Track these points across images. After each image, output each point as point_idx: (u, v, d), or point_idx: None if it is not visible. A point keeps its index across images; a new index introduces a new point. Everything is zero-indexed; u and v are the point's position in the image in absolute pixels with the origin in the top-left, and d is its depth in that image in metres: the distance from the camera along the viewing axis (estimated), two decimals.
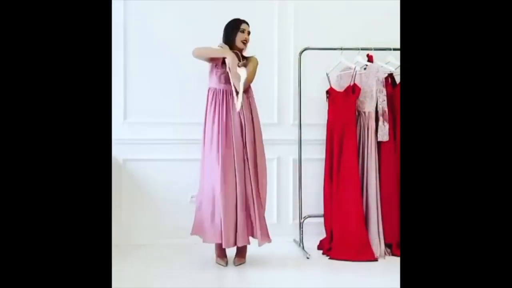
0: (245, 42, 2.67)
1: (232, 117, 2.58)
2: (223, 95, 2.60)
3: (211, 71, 2.64)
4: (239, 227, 2.53)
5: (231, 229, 2.51)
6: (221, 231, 2.50)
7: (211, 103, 2.62)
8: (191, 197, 3.22)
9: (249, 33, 2.69)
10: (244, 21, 2.69)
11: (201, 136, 2.68)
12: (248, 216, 2.58)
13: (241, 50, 2.69)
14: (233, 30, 2.66)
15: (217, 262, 2.65)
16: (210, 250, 2.75)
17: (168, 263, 2.75)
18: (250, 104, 2.64)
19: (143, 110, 3.24)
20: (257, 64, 2.68)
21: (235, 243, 2.54)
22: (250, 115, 2.63)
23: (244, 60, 2.66)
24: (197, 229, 2.65)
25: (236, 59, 2.53)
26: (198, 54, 2.59)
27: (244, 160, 2.59)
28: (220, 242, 2.52)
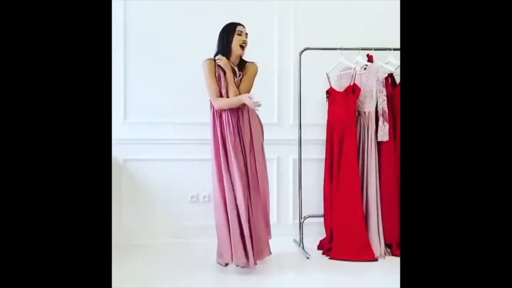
0: (243, 45, 2.56)
1: (241, 130, 2.55)
2: (231, 112, 2.55)
3: (219, 97, 2.56)
4: (235, 244, 2.48)
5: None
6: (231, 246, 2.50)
7: (223, 123, 2.54)
8: (191, 197, 3.22)
9: (246, 35, 2.59)
10: (239, 24, 2.58)
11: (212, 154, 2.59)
12: (241, 233, 2.50)
13: (239, 56, 2.60)
14: (230, 35, 2.54)
15: (217, 262, 2.65)
16: (210, 250, 2.75)
17: (168, 263, 2.75)
18: (249, 117, 2.59)
19: (143, 110, 3.24)
20: (255, 72, 2.60)
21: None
22: (249, 128, 2.58)
23: (241, 72, 2.58)
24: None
25: (250, 99, 2.45)
26: (221, 106, 2.52)
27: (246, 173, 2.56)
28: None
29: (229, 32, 2.55)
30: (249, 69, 2.60)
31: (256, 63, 2.63)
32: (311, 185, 3.28)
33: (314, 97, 3.26)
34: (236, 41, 2.54)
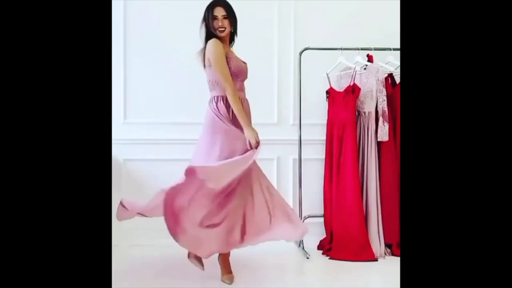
0: (221, 30, 2.34)
1: None
2: None
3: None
4: None
5: None
6: None
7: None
8: None
9: (225, 17, 2.34)
10: (218, 4, 2.34)
11: None
12: None
13: (228, 36, 2.42)
14: (208, 18, 2.35)
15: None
16: None
17: (168, 263, 2.75)
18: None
19: (143, 110, 3.24)
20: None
21: None
22: None
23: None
24: None
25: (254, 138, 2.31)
26: (234, 101, 2.31)
27: None
28: None
29: (207, 13, 2.37)
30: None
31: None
32: (311, 185, 3.27)
33: (314, 97, 3.26)
34: (214, 24, 2.35)
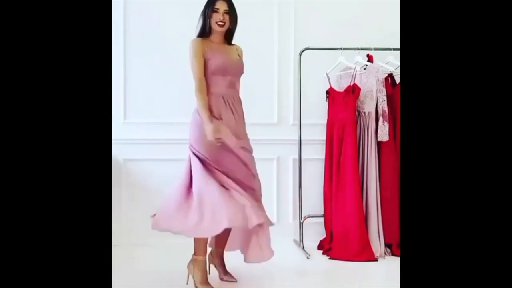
0: (220, 24, 2.28)
1: None
2: None
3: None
4: None
5: None
6: None
7: None
8: None
9: (226, 12, 2.29)
10: None
11: None
12: None
13: (224, 33, 2.38)
14: (207, 11, 2.30)
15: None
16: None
17: (169, 263, 2.74)
18: None
19: (143, 110, 3.24)
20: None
21: None
22: None
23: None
24: None
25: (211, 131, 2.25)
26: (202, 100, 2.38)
27: None
28: None
29: (207, 7, 2.31)
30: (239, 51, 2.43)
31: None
32: (311, 185, 3.27)
33: (314, 97, 3.26)
34: (213, 19, 2.29)
